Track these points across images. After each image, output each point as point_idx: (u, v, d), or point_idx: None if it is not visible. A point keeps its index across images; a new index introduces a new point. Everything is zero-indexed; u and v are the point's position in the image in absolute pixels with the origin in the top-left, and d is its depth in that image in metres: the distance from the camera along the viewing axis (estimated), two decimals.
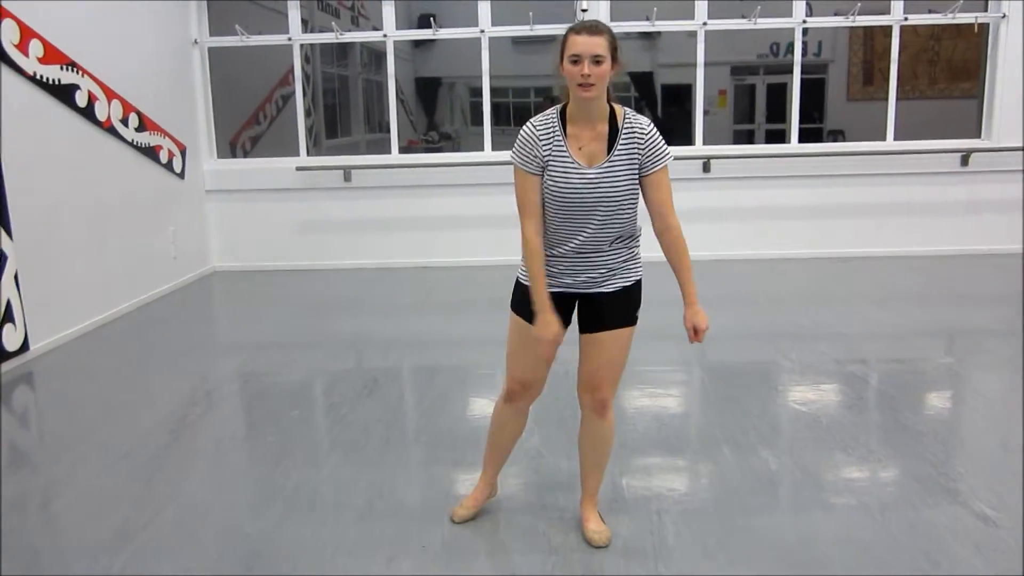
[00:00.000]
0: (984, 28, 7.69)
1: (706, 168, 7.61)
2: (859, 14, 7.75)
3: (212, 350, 5.67)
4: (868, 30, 14.23)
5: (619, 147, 2.56)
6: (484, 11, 7.65)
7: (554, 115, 2.61)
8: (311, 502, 3.24)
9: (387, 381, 4.75)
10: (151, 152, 6.81)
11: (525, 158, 2.60)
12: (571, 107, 2.58)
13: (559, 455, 3.59)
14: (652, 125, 2.58)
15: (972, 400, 4.34)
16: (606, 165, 2.55)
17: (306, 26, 9.23)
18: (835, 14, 8.27)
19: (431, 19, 7.88)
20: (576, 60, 2.46)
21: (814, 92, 16.82)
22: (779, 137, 15.33)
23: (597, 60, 2.45)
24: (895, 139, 7.92)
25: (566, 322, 2.71)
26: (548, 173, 2.58)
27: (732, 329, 5.47)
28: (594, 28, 2.50)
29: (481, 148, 8.03)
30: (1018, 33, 7.46)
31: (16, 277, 5.06)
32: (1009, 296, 6.58)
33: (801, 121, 17.02)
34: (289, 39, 7.79)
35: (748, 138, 16.65)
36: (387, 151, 8.12)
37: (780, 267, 7.44)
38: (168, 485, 3.45)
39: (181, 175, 7.34)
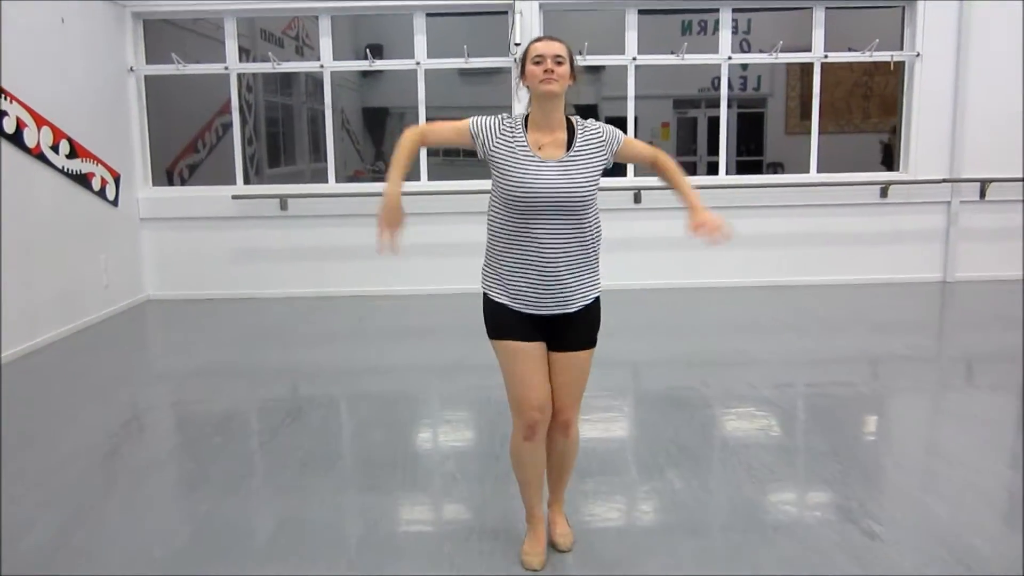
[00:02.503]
0: (900, 66, 8.04)
1: (637, 199, 7.80)
2: (784, 51, 8.02)
3: (141, 378, 5.65)
4: (805, 66, 14.73)
5: (576, 145, 2.72)
6: (420, 44, 7.80)
7: (519, 118, 2.77)
8: (222, 528, 3.27)
9: (312, 409, 4.79)
10: (83, 179, 6.79)
11: (476, 124, 2.76)
12: (532, 114, 2.75)
13: (471, 480, 3.67)
14: (601, 123, 2.79)
15: (876, 423, 4.53)
16: (565, 159, 2.69)
17: (247, 55, 9.33)
18: (759, 51, 8.52)
19: (367, 51, 8.00)
20: (539, 61, 2.66)
21: (754, 126, 17.34)
22: (717, 169, 15.72)
23: (558, 60, 2.66)
24: (818, 172, 8.22)
25: (544, 338, 2.79)
26: (504, 167, 2.69)
27: (656, 357, 5.62)
28: (553, 36, 2.76)
29: (435, 178, 8.15)
30: (932, 71, 7.82)
31: None
32: (924, 323, 6.86)
33: (741, 154, 17.46)
34: (226, 68, 7.85)
35: (691, 169, 17.03)
36: (335, 179, 8.19)
37: (708, 296, 7.64)
38: (83, 511, 3.45)
39: (115, 203, 7.33)
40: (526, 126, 2.75)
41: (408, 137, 2.77)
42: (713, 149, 17.64)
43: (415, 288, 7.89)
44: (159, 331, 7.13)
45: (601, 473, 3.74)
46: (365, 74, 16.86)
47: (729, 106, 8.49)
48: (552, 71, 2.64)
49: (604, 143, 2.76)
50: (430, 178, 8.10)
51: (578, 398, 2.89)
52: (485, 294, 2.85)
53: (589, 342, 2.83)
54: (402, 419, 4.57)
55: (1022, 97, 7.82)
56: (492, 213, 2.79)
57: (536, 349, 2.77)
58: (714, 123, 18.40)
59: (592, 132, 2.76)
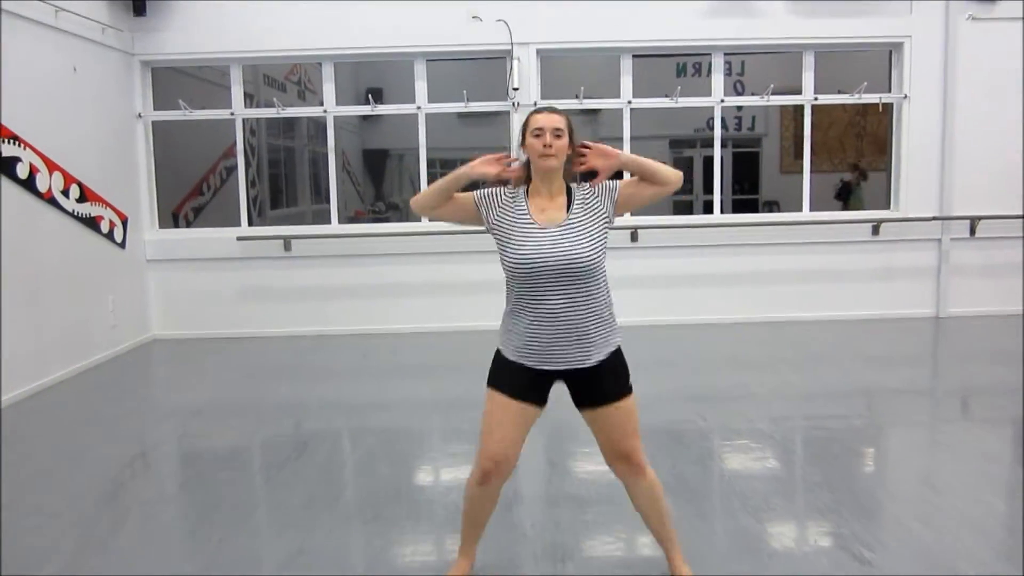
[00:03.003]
0: (889, 107, 8.26)
1: (634, 237, 7.96)
2: (777, 92, 8.25)
3: (148, 416, 5.75)
4: (799, 107, 15.00)
5: (575, 207, 2.80)
6: (421, 89, 8.02)
7: (521, 189, 2.87)
8: (233, 557, 3.37)
9: (317, 444, 4.89)
10: (92, 222, 6.96)
11: (484, 197, 2.86)
12: (533, 183, 2.84)
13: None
14: (588, 186, 2.85)
15: (870, 454, 4.63)
16: (565, 224, 2.75)
17: (251, 100, 9.54)
18: (751, 93, 8.73)
19: (368, 95, 8.22)
20: (539, 134, 2.75)
21: (749, 165, 17.60)
22: (713, 208, 15.93)
23: (557, 134, 2.75)
24: (811, 210, 8.40)
25: (542, 401, 2.85)
26: (507, 239, 2.77)
27: (654, 392, 5.72)
28: (553, 109, 2.84)
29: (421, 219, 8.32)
30: (919, 112, 8.03)
31: None
32: (918, 357, 6.98)
33: (737, 192, 17.64)
34: (232, 114, 8.06)
35: (687, 208, 17.26)
36: (331, 221, 8.37)
37: (703, 332, 7.77)
38: (96, 542, 3.56)
39: (122, 245, 7.48)
40: (527, 193, 2.85)
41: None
42: (709, 188, 17.88)
43: (416, 326, 8.02)
44: (165, 370, 7.24)
45: (600, 503, 3.84)
46: (366, 117, 17.17)
47: (724, 145, 8.70)
48: (551, 145, 2.73)
49: (600, 197, 2.83)
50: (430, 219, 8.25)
51: (638, 441, 2.88)
52: (498, 352, 2.90)
53: (621, 392, 2.83)
54: (405, 453, 4.68)
55: (1009, 136, 8.02)
56: (507, 284, 2.86)
57: (518, 407, 2.80)
58: (710, 162, 18.52)
59: (589, 191, 2.84)
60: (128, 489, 4.28)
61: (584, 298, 2.75)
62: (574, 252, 2.71)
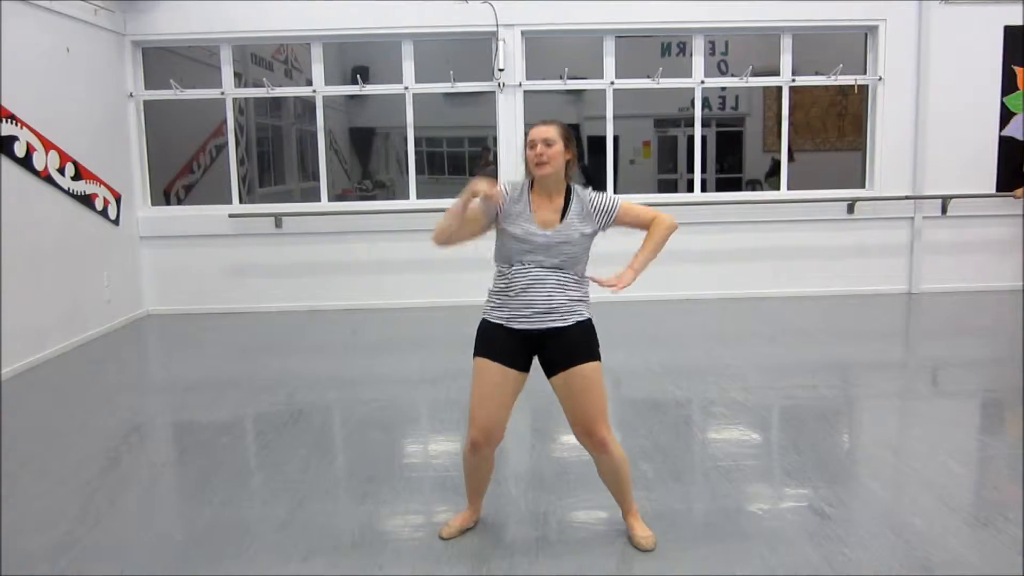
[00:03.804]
0: (864, 88, 8.48)
1: None
2: (760, 72, 8.45)
3: (144, 388, 5.95)
4: (780, 88, 15.21)
5: (570, 214, 3.07)
6: (408, 69, 8.18)
7: (525, 183, 3.14)
8: (236, 513, 3.60)
9: (311, 413, 5.11)
10: (87, 200, 7.11)
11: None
12: (536, 184, 3.11)
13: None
14: (600, 194, 3.14)
15: (836, 421, 4.87)
16: (559, 227, 3.05)
17: (240, 79, 9.65)
18: (731, 74, 8.91)
19: (357, 76, 8.37)
20: (532, 145, 3.04)
21: (733, 144, 17.80)
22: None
23: (548, 143, 3.02)
24: (791, 188, 8.64)
25: (525, 366, 3.12)
26: (509, 229, 3.06)
27: (633, 364, 5.96)
28: (547, 120, 3.11)
29: (420, 196, 8.50)
30: (894, 93, 8.26)
31: None
32: (889, 332, 7.23)
33: (721, 171, 17.85)
34: (222, 93, 8.20)
35: (672, 186, 17.46)
36: (319, 199, 8.53)
37: (684, 308, 8.01)
38: (104, 503, 3.76)
39: (116, 222, 7.64)
40: (531, 188, 3.12)
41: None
42: (693, 167, 18.13)
43: (404, 302, 8.23)
44: (159, 344, 7.43)
45: (581, 460, 4.08)
46: (352, 96, 17.27)
47: (708, 125, 8.90)
48: (542, 154, 3.01)
49: (595, 213, 3.10)
50: (421, 196, 8.45)
51: (603, 413, 3.07)
52: (483, 320, 3.16)
53: (588, 355, 3.04)
54: (395, 421, 4.89)
55: (979, 117, 8.27)
56: (497, 257, 3.17)
57: (504, 374, 3.05)
58: (693, 141, 18.93)
59: (587, 203, 3.11)
60: (129, 456, 4.48)
61: (557, 278, 3.05)
62: (559, 250, 3.04)
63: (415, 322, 7.69)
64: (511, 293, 3.06)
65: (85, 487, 3.97)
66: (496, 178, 3.08)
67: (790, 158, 13.35)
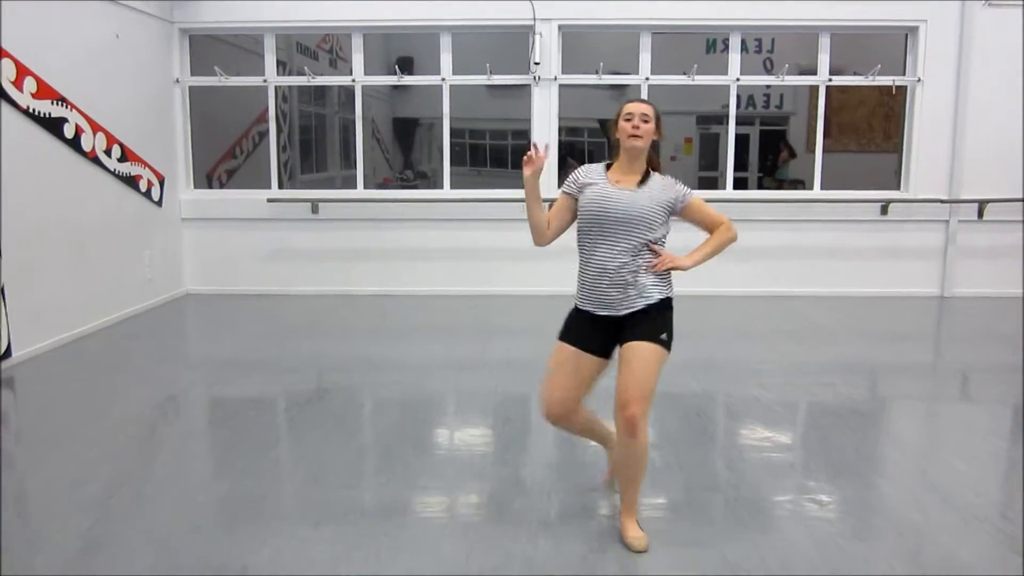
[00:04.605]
0: (902, 90, 8.43)
1: None
2: (806, 71, 8.43)
3: (180, 363, 6.17)
4: (828, 87, 15.10)
5: (648, 184, 3.22)
6: (446, 61, 8.32)
7: (601, 165, 3.33)
8: (255, 481, 3.77)
9: (335, 393, 5.28)
10: (132, 181, 7.37)
11: (568, 184, 3.33)
12: (616, 163, 3.28)
13: (476, 452, 4.13)
14: (676, 181, 3.28)
15: (850, 420, 4.90)
16: (635, 188, 3.19)
17: (284, 68, 9.89)
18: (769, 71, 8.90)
19: (396, 66, 8.52)
20: (629, 118, 3.19)
21: (777, 143, 17.70)
22: (742, 184, 16.12)
23: (645, 118, 3.19)
24: (830, 188, 8.62)
25: (605, 353, 3.27)
26: (585, 195, 3.22)
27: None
28: (643, 99, 3.36)
29: (460, 187, 8.65)
30: (932, 95, 8.20)
31: (2, 290, 5.58)
32: (917, 335, 7.20)
33: (764, 170, 17.74)
34: (264, 81, 8.42)
35: (712, 184, 17.41)
36: (364, 186, 8.73)
37: (712, 304, 8.04)
38: (133, 466, 3.98)
39: (159, 203, 7.90)
40: (607, 169, 3.29)
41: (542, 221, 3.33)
42: (737, 165, 18.06)
43: (434, 289, 8.38)
44: (197, 322, 7.68)
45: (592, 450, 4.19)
46: (396, 86, 17.49)
47: (752, 123, 8.87)
48: (639, 127, 3.16)
49: (672, 190, 3.24)
50: (459, 186, 8.60)
51: (645, 395, 3.07)
52: (574, 306, 3.32)
53: (651, 336, 3.12)
54: (417, 404, 5.04)
55: (1021, 121, 8.17)
56: (579, 235, 3.29)
57: (577, 357, 3.23)
58: (737, 139, 18.85)
59: (665, 180, 3.26)
60: (161, 425, 4.70)
61: (628, 252, 3.16)
62: (638, 206, 3.15)
63: (444, 309, 7.84)
64: (592, 283, 3.21)
65: (117, 452, 4.18)
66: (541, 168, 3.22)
67: (791, 155, 13.57)
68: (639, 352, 3.10)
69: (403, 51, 12.84)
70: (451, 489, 3.72)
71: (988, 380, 5.73)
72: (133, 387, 5.37)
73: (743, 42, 14.81)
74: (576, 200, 3.28)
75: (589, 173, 3.30)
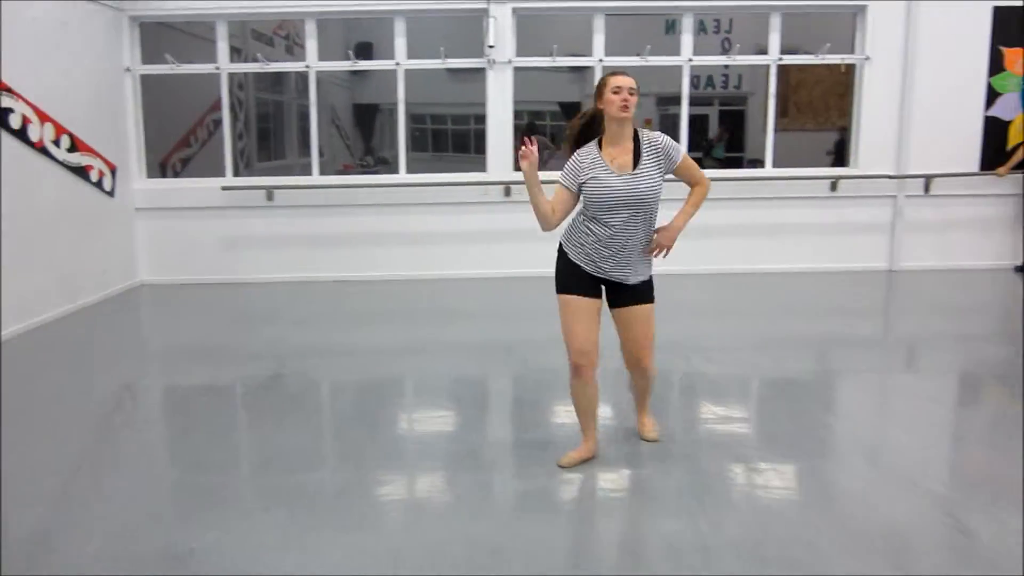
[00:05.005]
0: (851, 68, 8.57)
1: None
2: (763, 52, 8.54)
3: (134, 353, 6.16)
4: (784, 66, 15.28)
5: (644, 158, 3.50)
6: (400, 46, 8.32)
7: (593, 145, 3.57)
8: (209, 463, 3.82)
9: (292, 376, 5.32)
10: (82, 171, 7.31)
11: (567, 177, 3.57)
12: (606, 135, 3.53)
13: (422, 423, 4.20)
14: (663, 135, 3.54)
15: (791, 389, 5.02)
16: (636, 171, 3.48)
17: (239, 54, 9.82)
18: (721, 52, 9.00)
19: (348, 52, 8.50)
20: (618, 91, 3.43)
21: (735, 122, 17.86)
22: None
23: (632, 91, 3.44)
24: (784, 167, 8.77)
25: (600, 296, 3.65)
26: (591, 184, 3.49)
27: (610, 335, 6.12)
28: (625, 71, 3.55)
29: (417, 171, 8.69)
30: (880, 73, 8.35)
31: None
32: (863, 308, 7.35)
33: (701, 151, 18.05)
34: (217, 68, 8.36)
35: None
36: (323, 173, 8.72)
37: (666, 282, 8.11)
38: (86, 456, 3.99)
39: (111, 193, 7.84)
40: (600, 145, 3.53)
41: (550, 212, 3.54)
42: (694, 146, 18.22)
43: (392, 274, 8.41)
44: (151, 312, 7.65)
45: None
46: (356, 72, 17.40)
47: (711, 103, 8.96)
48: (628, 100, 3.42)
49: (662, 155, 3.52)
50: (414, 171, 8.63)
51: (651, 347, 3.73)
52: (564, 255, 3.63)
53: (646, 298, 3.66)
54: (375, 389, 5.09)
55: (965, 98, 8.35)
56: (585, 212, 3.58)
57: (590, 304, 3.59)
58: (695, 120, 18.99)
59: (655, 144, 3.52)
60: (113, 414, 4.72)
61: (640, 225, 3.53)
62: (640, 192, 3.47)
63: (402, 294, 7.88)
64: (592, 243, 3.53)
65: (70, 442, 4.19)
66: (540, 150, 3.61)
67: (727, 133, 13.95)
68: (642, 314, 3.65)
69: (362, 37, 12.79)
70: (404, 470, 3.79)
71: (933, 351, 5.90)
72: (86, 377, 5.36)
73: (701, 23, 14.80)
74: (577, 194, 3.56)
75: (583, 163, 3.53)
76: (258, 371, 5.43)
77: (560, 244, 3.68)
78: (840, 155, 14.49)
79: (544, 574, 2.84)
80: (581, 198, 3.57)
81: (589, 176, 3.49)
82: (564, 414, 4.51)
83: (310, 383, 5.29)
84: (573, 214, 3.66)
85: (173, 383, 5.33)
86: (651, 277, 3.70)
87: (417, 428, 4.44)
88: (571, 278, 3.60)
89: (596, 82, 3.66)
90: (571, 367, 3.63)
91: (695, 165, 3.63)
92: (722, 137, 16.33)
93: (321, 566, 2.91)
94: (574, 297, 3.58)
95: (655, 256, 3.65)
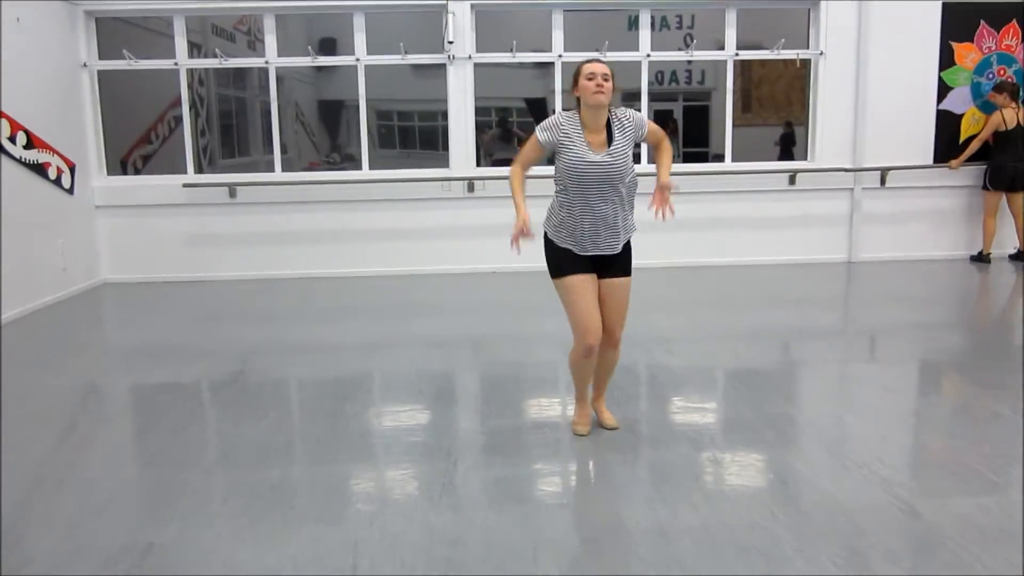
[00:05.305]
0: (806, 63, 8.70)
1: None
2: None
3: (96, 352, 6.11)
4: (746, 61, 15.46)
5: (615, 138, 3.68)
6: (360, 42, 8.32)
7: (575, 114, 3.72)
8: (166, 463, 3.82)
9: (252, 373, 5.32)
10: (39, 168, 7.23)
11: (545, 133, 3.71)
12: (584, 117, 3.68)
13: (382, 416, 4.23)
14: (630, 110, 3.77)
15: (748, 378, 5.12)
16: (611, 149, 3.65)
17: (199, 50, 9.75)
18: (677, 48, 9.10)
19: (308, 47, 8.48)
20: (591, 77, 3.58)
21: (699, 118, 17.99)
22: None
23: (606, 78, 3.59)
24: (741, 160, 8.90)
25: (594, 271, 3.78)
26: (567, 156, 3.65)
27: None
28: (601, 59, 3.76)
29: (386, 168, 8.72)
30: (834, 68, 8.49)
31: None
32: (822, 299, 7.47)
33: (687, 144, 18.23)
34: (175, 64, 8.30)
35: (636, 159, 17.66)
36: (289, 170, 8.70)
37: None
38: (43, 454, 3.97)
39: (70, 191, 7.77)
40: (581, 122, 3.67)
41: (514, 173, 3.81)
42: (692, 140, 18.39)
43: (357, 270, 8.42)
44: (114, 311, 7.59)
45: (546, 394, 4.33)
46: (320, 68, 17.31)
47: (675, 99, 9.06)
48: (602, 86, 3.56)
49: (632, 129, 3.73)
50: (373, 167, 8.63)
51: (623, 319, 3.90)
52: (551, 242, 3.80)
53: (627, 271, 3.84)
54: (332, 381, 5.11)
55: (917, 91, 8.52)
56: (558, 186, 3.75)
57: (590, 281, 3.74)
58: (659, 116, 19.15)
59: (626, 121, 3.72)
60: (71, 413, 4.69)
61: (618, 195, 3.68)
62: (615, 168, 3.64)
63: (366, 290, 7.89)
64: (576, 222, 3.68)
65: (28, 441, 4.16)
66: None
67: (672, 131, 14.26)
68: (620, 288, 3.82)
69: (326, 32, 12.72)
70: (364, 462, 3.82)
71: (891, 340, 6.02)
72: (44, 376, 5.32)
73: (664, 19, 14.91)
74: (544, 152, 3.76)
75: (563, 125, 3.68)
76: (218, 368, 5.42)
77: (545, 233, 3.82)
78: (786, 148, 14.91)
79: (503, 564, 2.89)
80: (556, 170, 3.72)
81: (567, 146, 3.64)
82: (527, 407, 4.58)
83: (272, 380, 5.28)
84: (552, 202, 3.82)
85: (133, 381, 5.30)
86: (629, 244, 3.85)
87: (378, 422, 4.46)
88: (564, 260, 3.74)
89: (566, 75, 3.81)
90: (580, 347, 3.77)
91: (657, 127, 3.88)
92: (673, 133, 16.72)
93: (278, 557, 2.93)
94: (572, 276, 3.72)
95: (665, 216, 3.80)
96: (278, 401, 4.82)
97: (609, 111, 3.68)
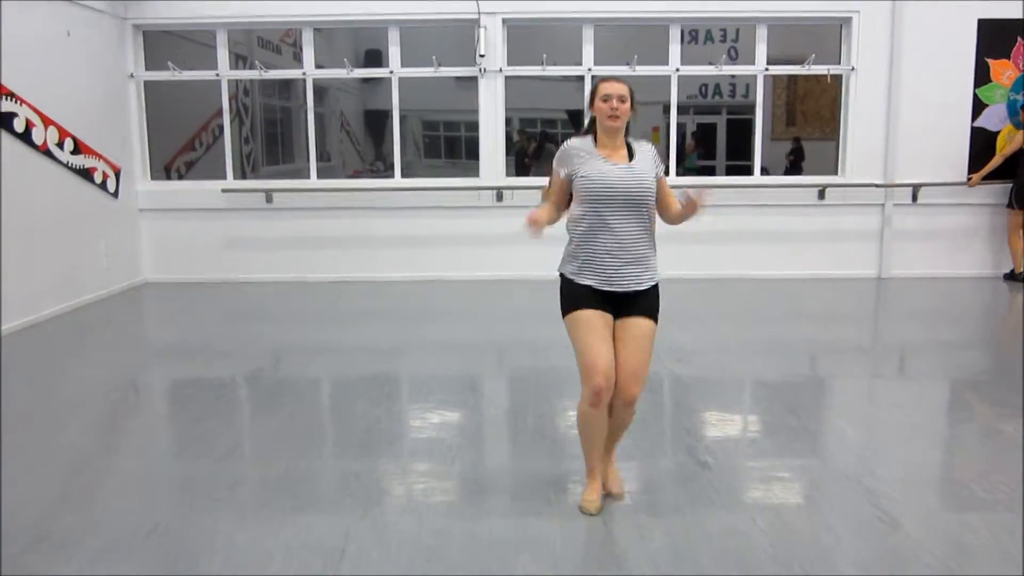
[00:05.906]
0: (837, 79, 8.71)
1: None
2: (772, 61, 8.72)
3: (136, 348, 6.39)
4: (791, 76, 15.41)
5: (636, 156, 3.34)
6: (394, 55, 8.56)
7: (588, 137, 3.40)
8: (184, 446, 4.03)
9: (274, 371, 5.54)
10: (86, 173, 7.58)
11: (559, 162, 3.38)
12: (599, 137, 3.36)
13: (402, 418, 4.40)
14: (648, 146, 3.40)
15: (758, 390, 5.18)
16: (631, 162, 3.31)
17: (244, 62, 10.09)
18: (711, 63, 9.16)
19: (345, 60, 8.74)
20: (607, 99, 3.28)
21: (743, 131, 17.97)
22: (709, 171, 16.48)
23: (622, 99, 3.28)
24: (776, 175, 8.92)
25: (613, 312, 3.31)
26: (585, 170, 3.27)
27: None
28: (619, 78, 3.36)
29: (431, 176, 8.92)
30: (866, 83, 8.48)
31: None
32: (848, 314, 7.46)
33: (730, 158, 18.20)
34: (217, 75, 8.62)
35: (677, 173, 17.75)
36: (331, 177, 8.97)
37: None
38: (92, 441, 4.22)
39: (115, 195, 8.11)
40: (595, 142, 3.36)
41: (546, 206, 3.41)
42: (704, 154, 18.40)
43: (388, 275, 8.62)
44: (152, 309, 7.90)
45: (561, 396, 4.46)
46: (366, 80, 17.71)
47: (719, 112, 9.13)
48: (617, 109, 3.26)
49: (652, 157, 3.37)
50: (420, 175, 8.85)
51: (644, 375, 3.32)
52: (569, 281, 3.34)
53: (651, 314, 3.31)
54: (352, 382, 5.30)
55: (951, 107, 8.47)
56: (576, 217, 3.35)
57: (603, 318, 3.26)
58: (703, 129, 19.16)
59: (647, 149, 3.39)
60: (105, 402, 4.94)
61: (639, 223, 3.29)
62: (637, 180, 3.27)
63: (395, 295, 8.08)
64: (595, 252, 3.27)
65: (61, 428, 4.42)
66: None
67: (696, 145, 14.26)
68: (641, 330, 3.30)
69: (371, 44, 13.05)
70: (369, 458, 3.97)
71: (910, 357, 6.02)
72: (88, 369, 5.63)
73: (708, 32, 14.93)
74: (567, 181, 3.36)
75: (573, 148, 3.35)
76: (244, 365, 5.65)
77: (561, 274, 3.39)
78: (796, 163, 14.91)
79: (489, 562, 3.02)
80: (574, 198, 3.36)
81: (583, 163, 3.29)
82: (531, 407, 4.70)
83: (291, 378, 5.49)
84: (566, 219, 3.43)
85: (162, 374, 5.56)
86: (658, 287, 3.39)
87: (390, 421, 4.60)
88: (579, 296, 3.29)
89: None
90: (589, 394, 3.23)
91: (668, 190, 3.48)
92: (695, 148, 16.73)
93: (273, 542, 3.10)
94: (585, 311, 3.26)
95: (700, 207, 3.28)
96: (294, 398, 5.01)
97: (627, 140, 3.39)
